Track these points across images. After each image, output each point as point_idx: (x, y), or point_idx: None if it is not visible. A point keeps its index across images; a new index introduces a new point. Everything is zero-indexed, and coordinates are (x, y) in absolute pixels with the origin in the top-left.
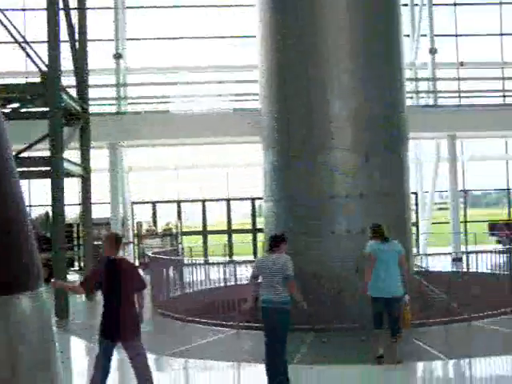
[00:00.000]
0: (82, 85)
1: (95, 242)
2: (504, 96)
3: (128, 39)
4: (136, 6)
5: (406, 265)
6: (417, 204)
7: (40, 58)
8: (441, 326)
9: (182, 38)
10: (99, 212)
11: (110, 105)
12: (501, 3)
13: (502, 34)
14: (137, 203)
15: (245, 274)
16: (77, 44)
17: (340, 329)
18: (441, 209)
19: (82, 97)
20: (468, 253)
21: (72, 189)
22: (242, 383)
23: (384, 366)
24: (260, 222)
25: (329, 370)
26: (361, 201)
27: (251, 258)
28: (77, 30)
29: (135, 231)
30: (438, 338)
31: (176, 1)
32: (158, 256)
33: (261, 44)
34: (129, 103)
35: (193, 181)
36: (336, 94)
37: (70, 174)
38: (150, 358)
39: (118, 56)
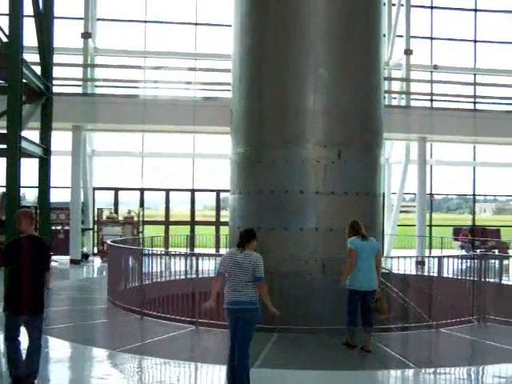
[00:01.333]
0: (46, 62)
1: (52, 227)
2: (475, 102)
3: (98, 19)
4: None
5: (379, 260)
6: (383, 205)
7: (2, 29)
8: (408, 332)
9: (154, 22)
10: (60, 196)
11: (76, 86)
12: (476, 10)
13: (475, 41)
14: (99, 189)
15: (206, 267)
16: (42, 20)
17: (306, 330)
18: (404, 211)
19: (46, 75)
20: (434, 257)
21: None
22: None
23: (347, 371)
24: (224, 216)
25: (292, 374)
26: (331, 198)
27: (213, 251)
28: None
29: (95, 218)
30: (404, 343)
31: None
32: (116, 245)
33: (235, 33)
34: (96, 86)
35: (157, 169)
36: (311, 87)
37: (28, 154)
38: (102, 354)
39: (86, 35)
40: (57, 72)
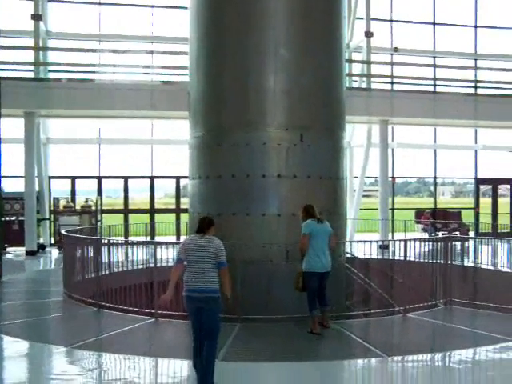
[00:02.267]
0: None
1: (7, 218)
2: (435, 85)
3: (49, 0)
4: None
5: (334, 242)
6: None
7: None
8: (373, 318)
9: (109, 4)
10: (14, 186)
11: (27, 70)
12: None
13: (434, 24)
14: (54, 178)
15: (166, 255)
16: None
17: (269, 319)
18: (366, 196)
19: None
20: (399, 240)
21: None
22: (160, 380)
23: (315, 362)
24: (185, 203)
25: (258, 366)
26: (294, 182)
27: (174, 239)
28: None
29: (52, 207)
30: (370, 330)
31: None
32: (72, 234)
33: (192, 11)
34: (49, 71)
35: (115, 156)
36: (271, 67)
37: None
38: (56, 351)
39: (37, 17)
40: (6, 56)
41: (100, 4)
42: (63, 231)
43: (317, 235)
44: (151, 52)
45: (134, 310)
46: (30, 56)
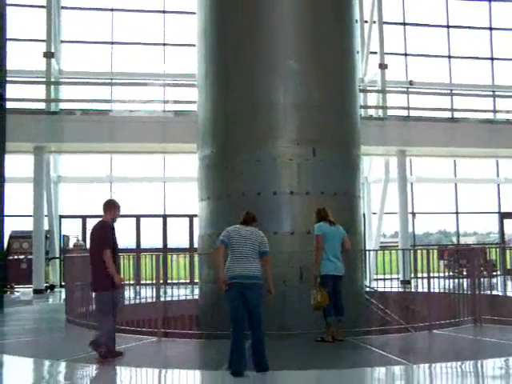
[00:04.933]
0: None
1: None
2: (452, 115)
3: (62, 41)
4: (71, 6)
5: (348, 245)
6: (364, 226)
7: None
8: (395, 334)
9: (120, 43)
10: (24, 225)
11: (38, 102)
12: (448, 26)
13: (449, 57)
14: (65, 217)
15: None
16: None
17: (284, 335)
18: (385, 247)
19: None
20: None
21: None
22: None
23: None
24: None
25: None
26: (307, 199)
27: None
28: None
29: (61, 246)
30: (392, 343)
31: (115, 3)
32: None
33: (199, 27)
34: (61, 109)
35: (127, 194)
36: (281, 80)
37: None
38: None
39: (49, 55)
40: (18, 92)
41: (112, 43)
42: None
43: (330, 238)
44: (163, 85)
45: (137, 329)
46: (41, 93)
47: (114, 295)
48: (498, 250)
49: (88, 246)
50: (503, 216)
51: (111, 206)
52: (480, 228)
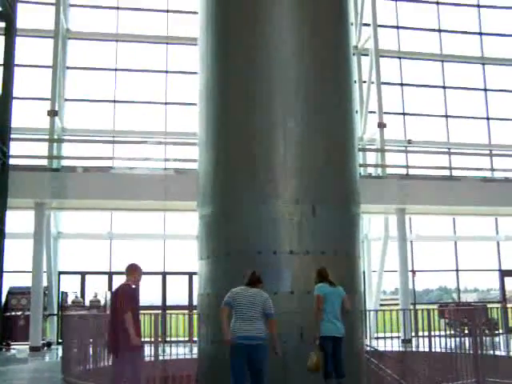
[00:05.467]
0: (3, 132)
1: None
2: (451, 173)
3: (66, 100)
4: (76, 66)
5: (349, 304)
6: (364, 284)
7: None
8: None
9: (123, 101)
10: (23, 280)
11: (40, 158)
12: (444, 87)
13: (446, 116)
14: (64, 273)
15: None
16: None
17: None
18: (386, 305)
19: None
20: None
21: None
22: None
23: None
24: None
25: None
26: (307, 258)
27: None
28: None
29: (60, 302)
30: None
31: (119, 63)
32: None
33: (201, 83)
34: (63, 166)
35: (126, 251)
36: (281, 141)
37: None
38: None
39: (53, 113)
40: (21, 149)
41: (115, 101)
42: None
43: (330, 299)
44: (164, 143)
45: None
46: (44, 150)
47: (133, 357)
48: (499, 308)
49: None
50: (504, 274)
51: (133, 270)
52: (481, 284)
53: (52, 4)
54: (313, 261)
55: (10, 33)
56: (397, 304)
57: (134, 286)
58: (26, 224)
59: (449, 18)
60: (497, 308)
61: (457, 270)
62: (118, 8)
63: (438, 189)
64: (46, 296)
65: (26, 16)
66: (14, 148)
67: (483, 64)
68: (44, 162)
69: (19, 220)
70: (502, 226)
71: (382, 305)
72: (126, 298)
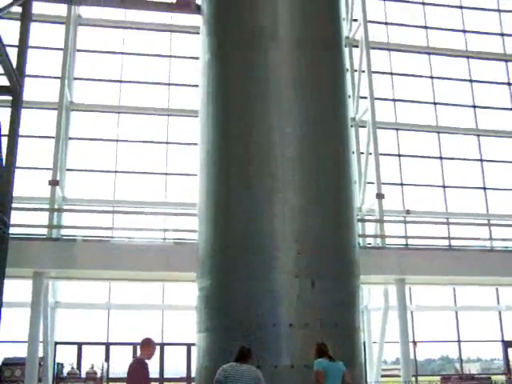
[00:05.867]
0: (4, 202)
1: None
2: (450, 243)
3: (68, 169)
4: (78, 137)
5: (349, 378)
6: (365, 355)
7: None
8: None
9: (123, 172)
10: (17, 351)
11: (40, 227)
12: (441, 158)
13: (444, 186)
14: (60, 343)
15: None
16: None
17: None
18: (387, 375)
19: (2, 218)
20: None
21: None
22: None
23: None
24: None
25: None
26: (306, 331)
27: None
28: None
29: (55, 374)
30: None
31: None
32: None
33: (200, 164)
34: (62, 235)
35: (124, 321)
36: (280, 213)
37: None
38: None
39: (54, 183)
40: (21, 218)
41: (116, 172)
42: None
43: (329, 374)
44: (164, 214)
45: None
46: (44, 219)
47: None
48: (505, 381)
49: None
50: (507, 345)
51: (147, 344)
52: (484, 354)
53: (57, 78)
54: (313, 334)
55: (16, 106)
56: (398, 376)
57: (147, 361)
58: (24, 293)
59: (443, 92)
60: (502, 382)
61: (459, 341)
62: (120, 81)
63: (438, 259)
64: (41, 367)
65: (31, 88)
66: (15, 217)
67: (478, 136)
68: (44, 231)
69: (16, 289)
70: (503, 296)
71: (383, 375)
72: (140, 372)
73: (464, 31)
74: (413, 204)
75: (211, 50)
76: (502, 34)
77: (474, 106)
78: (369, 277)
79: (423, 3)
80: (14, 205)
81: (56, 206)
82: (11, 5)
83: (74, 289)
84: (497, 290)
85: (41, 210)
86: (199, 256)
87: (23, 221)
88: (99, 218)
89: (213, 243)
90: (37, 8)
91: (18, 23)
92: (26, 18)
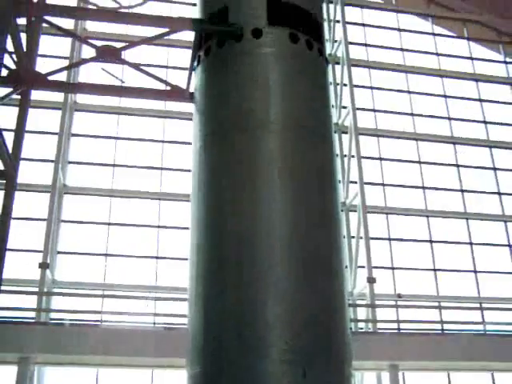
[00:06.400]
0: None
1: None
2: (442, 326)
3: (59, 252)
4: (70, 220)
5: None
6: None
7: None
8: None
9: (114, 255)
10: None
11: (29, 310)
12: (431, 241)
13: (435, 270)
14: None
15: None
16: None
17: None
18: None
19: None
20: None
21: None
22: None
23: None
24: None
25: None
26: None
27: None
28: None
29: None
30: None
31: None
32: None
33: (191, 248)
34: (51, 319)
35: None
36: (270, 300)
37: None
38: None
39: (44, 266)
40: (8, 301)
41: (106, 255)
42: None
43: None
44: (155, 298)
45: None
46: (32, 302)
47: None
48: None
49: None
50: None
51: None
52: None
53: (51, 161)
54: None
55: (9, 190)
56: None
57: None
58: (7, 380)
59: (431, 176)
60: None
61: None
62: (114, 165)
63: (430, 344)
64: None
65: (22, 170)
66: (2, 300)
67: (467, 219)
68: (32, 315)
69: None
70: (498, 381)
71: None
72: None
73: (449, 118)
74: (404, 287)
75: (202, 137)
76: (485, 122)
77: (462, 191)
78: (361, 363)
79: (409, 91)
80: (2, 287)
81: (45, 289)
82: (11, 93)
83: (62, 375)
84: (492, 374)
85: (30, 293)
86: (189, 342)
87: (11, 304)
88: (89, 301)
89: (201, 329)
90: (34, 94)
91: (15, 108)
92: (24, 105)
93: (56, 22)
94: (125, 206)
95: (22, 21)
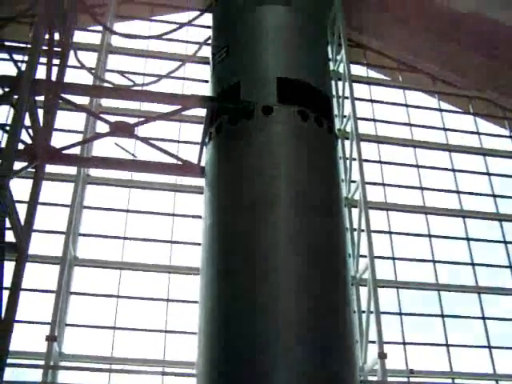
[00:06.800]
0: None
1: None
2: None
3: (67, 325)
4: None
5: None
6: None
7: None
8: None
9: (122, 328)
10: None
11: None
12: (442, 316)
13: (447, 345)
14: None
15: None
16: None
17: None
18: None
19: None
20: None
21: None
22: None
23: None
24: None
25: None
26: None
27: None
28: None
29: None
30: None
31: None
32: None
33: (199, 320)
34: None
35: None
36: (280, 361)
37: None
38: None
39: (51, 339)
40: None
41: (114, 328)
42: None
43: None
44: (162, 373)
45: None
46: (38, 376)
47: None
48: None
49: None
50: None
51: None
52: None
53: (62, 233)
54: None
55: (20, 262)
56: None
57: None
58: None
59: (441, 249)
60: None
61: None
62: (124, 238)
63: None
64: None
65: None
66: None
67: (479, 293)
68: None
69: None
70: None
71: None
72: None
73: (458, 192)
74: (416, 363)
75: (213, 213)
76: (494, 195)
77: (473, 264)
78: None
79: (417, 166)
80: (9, 361)
81: (52, 363)
82: (26, 167)
83: None
84: None
85: (37, 366)
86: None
87: (16, 377)
88: (96, 375)
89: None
90: (48, 167)
91: (28, 180)
92: (38, 179)
93: (71, 97)
94: (134, 279)
95: (39, 97)
